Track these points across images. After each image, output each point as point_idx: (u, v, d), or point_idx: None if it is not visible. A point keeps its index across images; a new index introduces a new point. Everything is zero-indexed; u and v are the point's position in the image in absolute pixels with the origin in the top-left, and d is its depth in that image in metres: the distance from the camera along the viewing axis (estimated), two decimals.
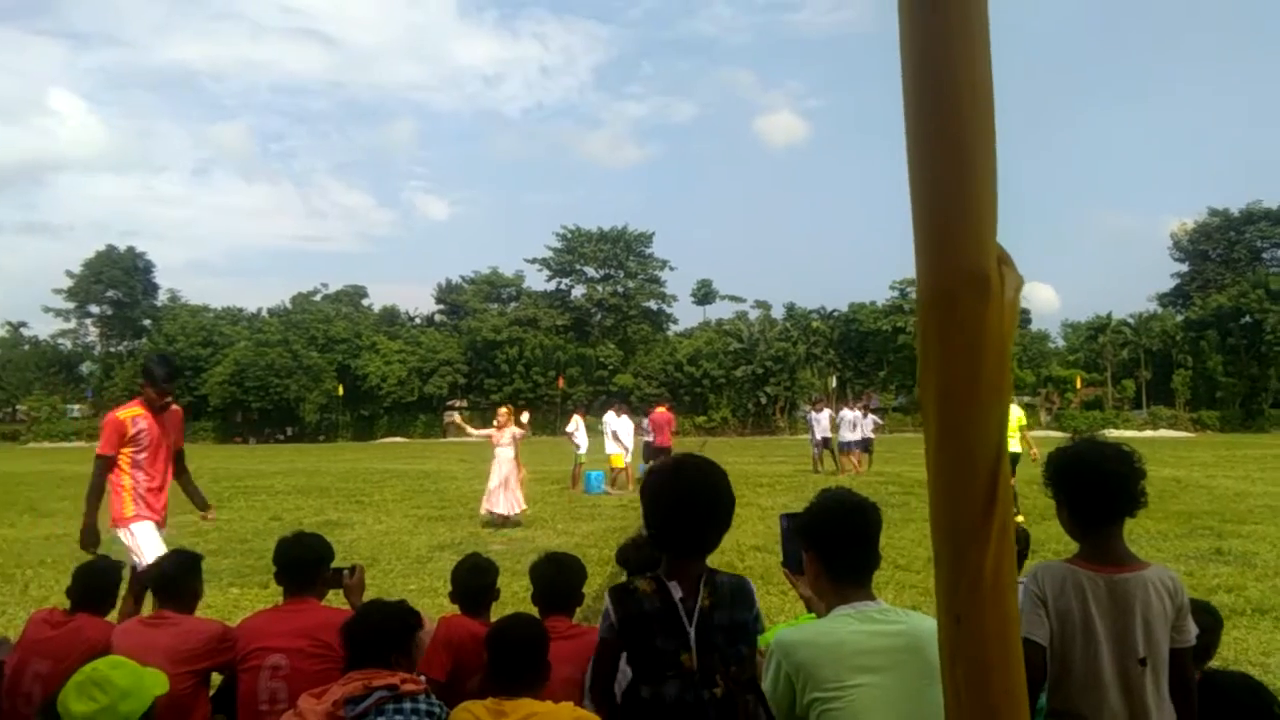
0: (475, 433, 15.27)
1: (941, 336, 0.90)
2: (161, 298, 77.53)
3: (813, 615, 2.74)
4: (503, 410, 14.49)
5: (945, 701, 1.02)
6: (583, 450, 18.96)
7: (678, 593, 2.32)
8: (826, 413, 23.41)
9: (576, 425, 19.24)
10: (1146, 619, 2.39)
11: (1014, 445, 12.20)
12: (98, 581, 4.01)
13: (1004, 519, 0.89)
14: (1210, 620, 2.95)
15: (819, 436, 23.02)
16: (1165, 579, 2.45)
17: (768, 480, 20.06)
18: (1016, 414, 13.50)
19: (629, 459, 18.86)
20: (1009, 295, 0.88)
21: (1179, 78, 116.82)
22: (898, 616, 2.47)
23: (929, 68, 0.90)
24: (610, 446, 18.72)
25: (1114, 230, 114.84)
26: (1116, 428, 53.94)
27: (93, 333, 78.17)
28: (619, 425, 18.98)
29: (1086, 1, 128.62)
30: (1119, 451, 2.50)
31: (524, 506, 13.52)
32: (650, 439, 19.81)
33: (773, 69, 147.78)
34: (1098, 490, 2.47)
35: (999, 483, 0.89)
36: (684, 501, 2.38)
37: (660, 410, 20.28)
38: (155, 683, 2.79)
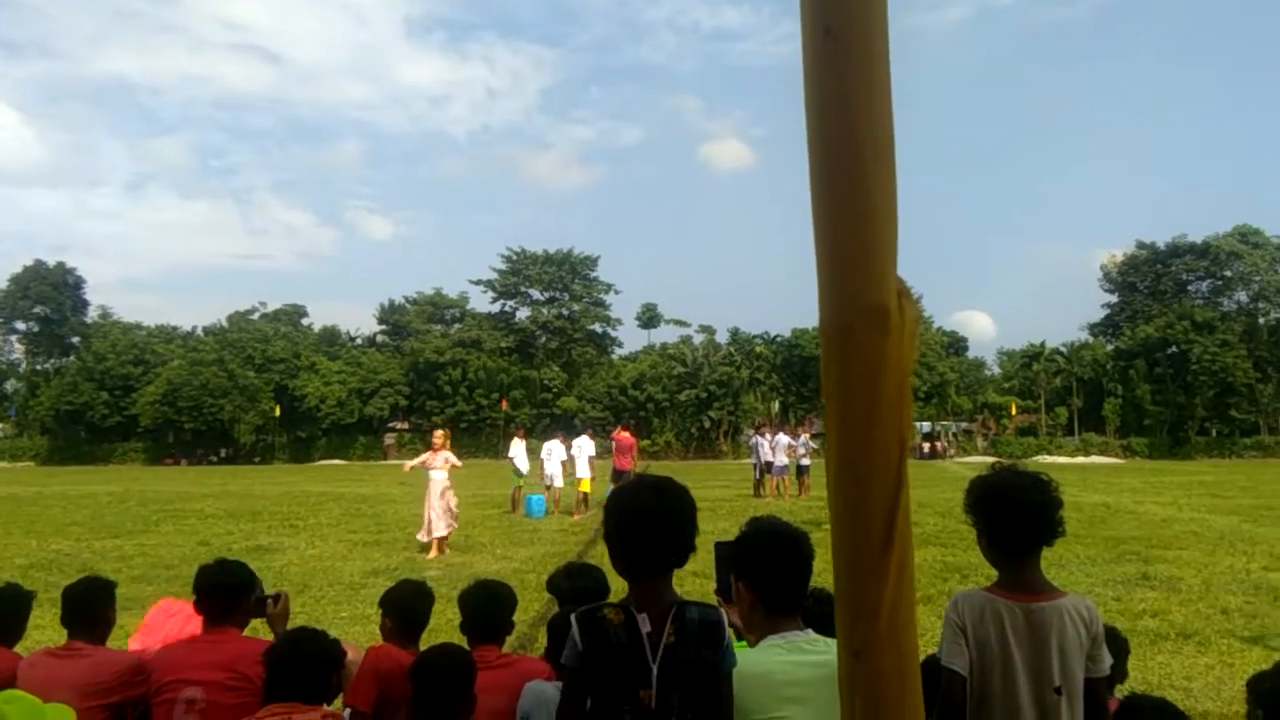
0: (412, 463, 14.86)
1: (841, 369, 0.90)
2: (92, 314, 75.39)
3: (744, 644, 2.73)
4: (438, 433, 14.39)
5: None
6: (524, 473, 18.81)
7: (645, 626, 2.26)
8: (768, 436, 23.59)
9: (517, 448, 19.09)
10: (1062, 648, 2.41)
11: None
12: (4, 609, 3.84)
13: (902, 554, 0.89)
14: (1117, 645, 2.99)
15: (762, 460, 23.19)
16: (1081, 608, 2.48)
17: (708, 505, 20.08)
18: None
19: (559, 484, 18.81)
20: (908, 328, 0.88)
21: (1110, 118, 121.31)
22: (825, 646, 2.47)
23: (830, 106, 0.90)
24: (583, 470, 18.64)
25: (1048, 261, 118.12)
26: (1050, 454, 55.23)
27: (18, 350, 75.66)
28: (590, 449, 19.00)
29: (1023, 43, 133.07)
30: (1038, 481, 2.53)
31: (454, 525, 13.44)
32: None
33: (719, 97, 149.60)
34: (1017, 519, 2.49)
35: (897, 517, 0.88)
36: (638, 519, 2.33)
37: (623, 434, 20.25)
38: (58, 718, 2.67)
